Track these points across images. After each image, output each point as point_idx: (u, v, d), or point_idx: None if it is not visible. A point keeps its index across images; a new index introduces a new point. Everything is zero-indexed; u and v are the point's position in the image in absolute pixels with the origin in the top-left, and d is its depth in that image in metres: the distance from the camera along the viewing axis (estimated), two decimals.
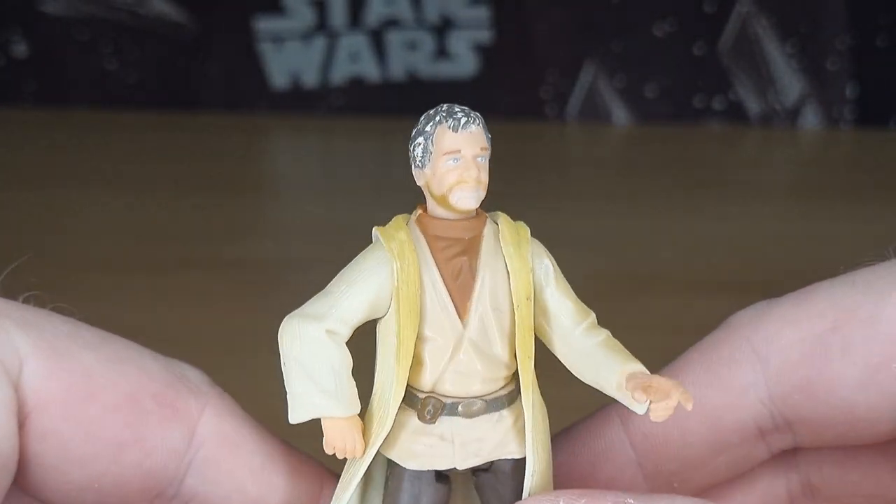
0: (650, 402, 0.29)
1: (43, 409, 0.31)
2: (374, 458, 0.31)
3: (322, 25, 1.01)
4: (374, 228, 0.31)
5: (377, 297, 0.31)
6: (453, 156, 0.30)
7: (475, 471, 0.32)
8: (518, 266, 0.31)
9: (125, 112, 1.02)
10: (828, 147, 1.00)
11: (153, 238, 0.76)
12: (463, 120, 0.30)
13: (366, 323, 0.31)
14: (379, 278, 0.31)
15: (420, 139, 0.31)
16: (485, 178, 0.30)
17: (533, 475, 0.31)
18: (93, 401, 0.31)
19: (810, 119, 1.01)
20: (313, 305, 0.31)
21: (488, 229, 0.31)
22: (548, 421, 0.32)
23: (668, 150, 0.98)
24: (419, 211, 0.31)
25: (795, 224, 0.79)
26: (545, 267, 0.31)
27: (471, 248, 0.31)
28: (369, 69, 1.01)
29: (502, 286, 0.31)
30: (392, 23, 1.00)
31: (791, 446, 0.35)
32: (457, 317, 0.31)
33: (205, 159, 0.94)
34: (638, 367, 0.30)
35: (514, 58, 0.99)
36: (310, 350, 0.30)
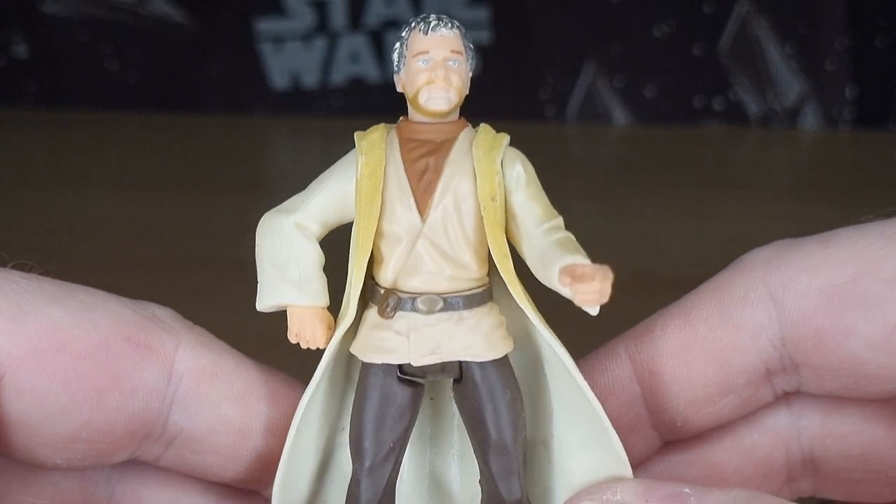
0: (574, 285, 0.29)
1: (16, 368, 0.32)
2: (353, 361, 0.32)
3: (322, 26, 1.01)
4: (354, 132, 0.32)
5: (343, 192, 0.32)
6: (422, 57, 0.31)
7: (453, 384, 0.32)
8: (485, 169, 0.31)
9: (126, 113, 1.02)
10: (827, 148, 1.00)
11: (154, 238, 0.76)
12: (433, 23, 0.31)
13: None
14: (345, 174, 0.32)
15: (397, 44, 0.32)
16: (456, 81, 0.31)
17: (563, 347, 0.31)
18: (65, 351, 0.31)
19: (809, 120, 1.01)
20: (288, 202, 0.32)
21: (465, 135, 0.32)
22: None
23: (668, 150, 0.98)
24: (401, 119, 0.32)
25: (794, 224, 0.79)
26: (516, 173, 0.32)
27: (440, 150, 0.31)
28: (369, 70, 1.01)
29: (467, 187, 0.31)
30: (392, 23, 1.01)
31: (794, 389, 0.34)
32: (417, 213, 0.31)
33: (205, 159, 0.95)
34: (577, 258, 0.30)
35: (514, 58, 0.99)
36: (279, 242, 0.32)
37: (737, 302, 0.34)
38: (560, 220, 0.32)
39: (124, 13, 1.01)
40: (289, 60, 1.02)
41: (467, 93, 0.32)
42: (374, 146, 0.32)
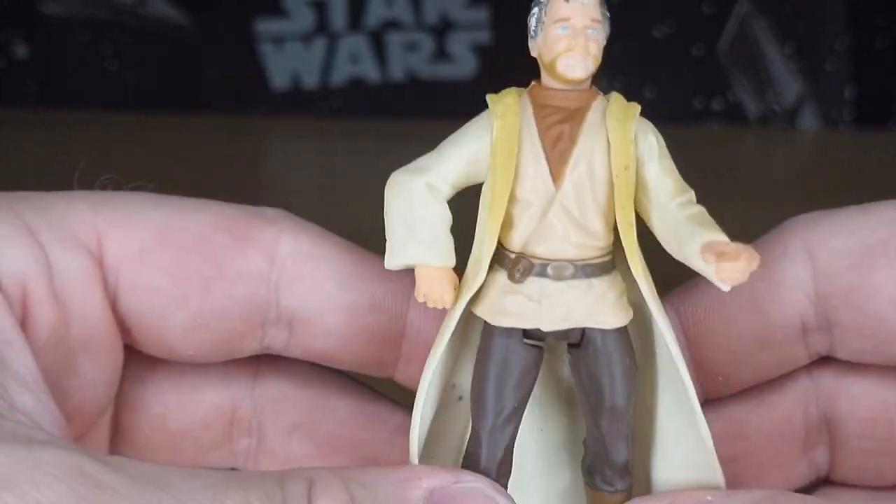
0: (719, 263, 0.29)
1: (127, 268, 0.34)
2: (472, 322, 0.33)
3: (322, 27, 1.01)
4: (487, 95, 0.32)
5: (476, 155, 0.32)
6: (563, 24, 0.32)
7: (569, 348, 0.32)
8: (619, 137, 0.31)
9: (126, 113, 1.02)
10: (826, 148, 1.00)
11: None
12: None
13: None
14: (480, 137, 0.32)
15: (535, 9, 0.32)
16: (594, 50, 0.32)
17: (675, 338, 0.31)
18: (168, 247, 0.34)
19: (809, 120, 1.01)
20: (419, 161, 0.32)
21: (598, 104, 0.32)
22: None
23: (668, 150, 0.98)
24: (533, 83, 0.33)
25: None
26: (650, 143, 0.32)
27: (574, 117, 0.31)
28: (369, 70, 1.01)
29: (601, 157, 0.31)
30: (392, 24, 1.01)
31: (827, 352, 0.35)
32: (551, 180, 0.31)
33: (205, 160, 0.95)
34: (719, 236, 0.30)
35: (514, 59, 0.99)
36: (409, 201, 0.32)
37: (776, 256, 0.35)
38: (693, 195, 0.32)
39: (124, 14, 1.01)
40: (289, 61, 1.02)
41: (601, 61, 0.32)
42: (510, 110, 0.32)
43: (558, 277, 0.31)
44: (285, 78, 1.02)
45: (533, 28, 0.33)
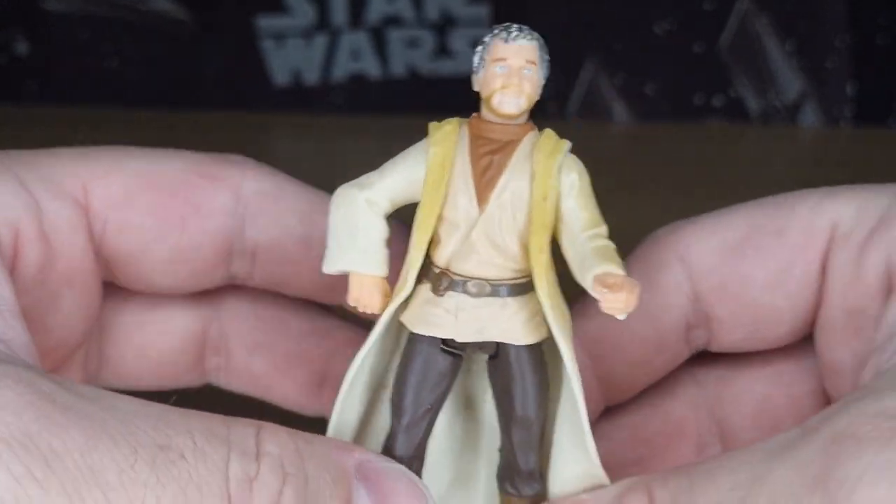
0: (604, 294, 0.32)
1: (113, 211, 0.39)
2: (402, 330, 0.36)
3: (323, 23, 1.01)
4: (430, 123, 0.35)
5: (412, 177, 0.35)
6: (500, 63, 0.34)
7: (488, 359, 0.35)
8: (542, 171, 0.34)
9: (127, 110, 1.02)
10: (827, 145, 1.00)
11: None
12: (514, 34, 0.35)
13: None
14: (417, 161, 0.35)
15: (479, 48, 0.35)
16: (528, 89, 0.34)
17: (572, 360, 0.34)
18: (149, 189, 0.39)
19: (810, 117, 1.01)
20: (363, 177, 0.36)
21: (529, 138, 0.35)
22: (569, 319, 0.35)
23: (669, 147, 0.98)
24: (474, 115, 0.35)
25: None
26: (571, 180, 0.35)
27: (505, 149, 0.34)
28: (370, 67, 1.01)
29: (524, 187, 0.34)
30: (393, 21, 1.01)
31: (703, 346, 0.40)
32: (476, 205, 0.34)
33: None
34: (612, 269, 0.33)
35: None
36: (349, 213, 0.35)
37: (655, 266, 0.39)
38: (604, 229, 0.35)
39: (125, 10, 1.01)
40: (290, 57, 1.02)
41: (538, 98, 0.35)
42: (447, 138, 0.35)
43: (475, 294, 0.34)
44: (286, 74, 1.02)
45: (476, 65, 0.36)
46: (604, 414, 0.41)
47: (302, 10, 1.01)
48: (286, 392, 0.43)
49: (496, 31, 0.36)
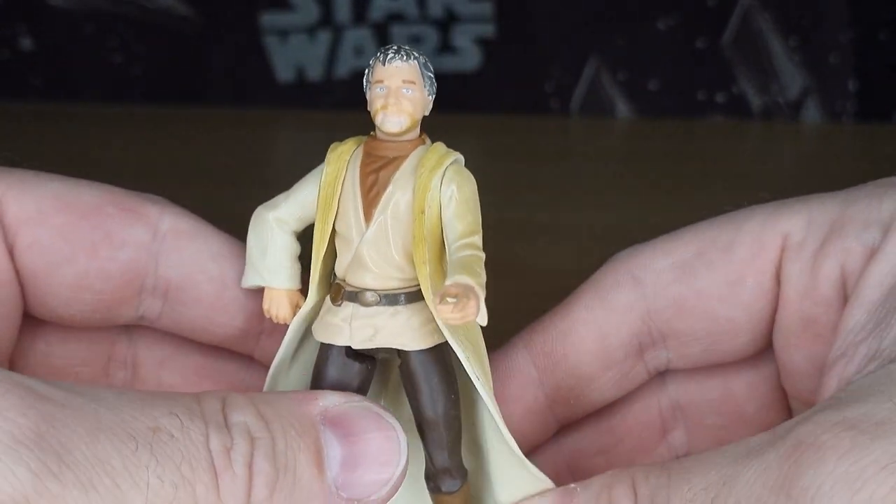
0: (437, 305, 0.33)
1: (25, 226, 0.39)
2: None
3: (327, 20, 1.01)
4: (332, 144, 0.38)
5: (312, 196, 0.37)
6: (380, 85, 0.36)
7: (400, 366, 0.37)
8: (422, 186, 0.35)
9: (131, 105, 1.02)
10: (829, 140, 1.01)
11: None
12: (390, 56, 0.37)
13: None
14: (315, 181, 0.37)
15: (367, 71, 0.37)
16: (408, 107, 0.36)
17: (468, 360, 0.35)
18: (63, 212, 0.39)
19: (812, 113, 1.01)
20: (274, 198, 0.38)
21: (417, 153, 0.36)
22: (475, 325, 0.36)
23: (671, 143, 0.99)
24: (371, 133, 0.37)
25: None
26: (450, 192, 0.36)
27: (390, 166, 0.36)
28: None
29: (407, 201, 0.36)
30: (396, 17, 1.01)
31: (664, 366, 0.41)
32: (363, 220, 0.36)
33: (210, 152, 0.95)
34: (460, 278, 0.34)
35: (518, 52, 1.00)
36: (260, 232, 0.38)
37: (609, 286, 0.40)
38: (474, 239, 0.36)
39: (130, 6, 1.02)
40: (293, 54, 1.02)
41: (425, 114, 0.37)
42: (339, 158, 0.37)
43: (368, 303, 0.36)
44: (290, 70, 1.03)
45: (365, 87, 0.37)
46: (559, 433, 0.43)
47: (306, 7, 1.01)
48: None
49: (377, 54, 0.37)
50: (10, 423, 0.29)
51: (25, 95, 1.03)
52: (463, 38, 1.00)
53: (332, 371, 0.37)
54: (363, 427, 0.34)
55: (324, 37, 1.02)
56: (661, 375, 0.43)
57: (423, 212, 0.35)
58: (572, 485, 0.35)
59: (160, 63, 1.03)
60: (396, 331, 0.36)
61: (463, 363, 0.36)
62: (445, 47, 1.01)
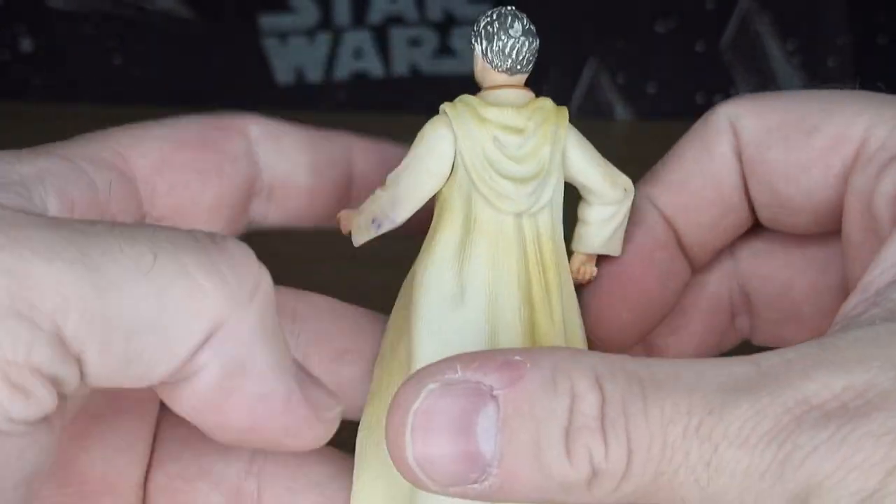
0: None
1: (156, 174, 0.41)
2: None
3: (326, 22, 1.01)
4: None
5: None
6: None
7: None
8: None
9: (131, 107, 1.02)
10: None
11: None
12: None
13: None
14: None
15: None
16: None
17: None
18: (182, 149, 0.42)
19: None
20: None
21: None
22: None
23: (670, 146, 0.98)
24: None
25: None
26: None
27: None
28: (373, 65, 1.02)
29: None
30: (395, 20, 1.01)
31: (751, 224, 0.42)
32: None
33: None
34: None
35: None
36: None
37: (712, 136, 0.42)
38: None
39: (129, 8, 1.02)
40: (293, 56, 1.02)
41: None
42: None
43: None
44: (289, 72, 1.03)
45: None
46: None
47: (305, 9, 1.01)
48: None
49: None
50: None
51: (25, 96, 1.03)
52: (462, 40, 1.01)
53: None
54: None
55: (323, 39, 1.02)
56: (734, 257, 0.44)
57: None
58: (516, 357, 0.31)
59: (159, 65, 1.03)
60: None
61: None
62: (445, 50, 1.01)
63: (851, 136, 0.39)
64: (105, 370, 0.29)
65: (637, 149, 1.03)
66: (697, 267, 0.43)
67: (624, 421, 0.30)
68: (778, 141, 0.40)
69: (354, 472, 0.37)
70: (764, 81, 1.01)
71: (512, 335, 0.36)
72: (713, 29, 1.00)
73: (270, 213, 0.43)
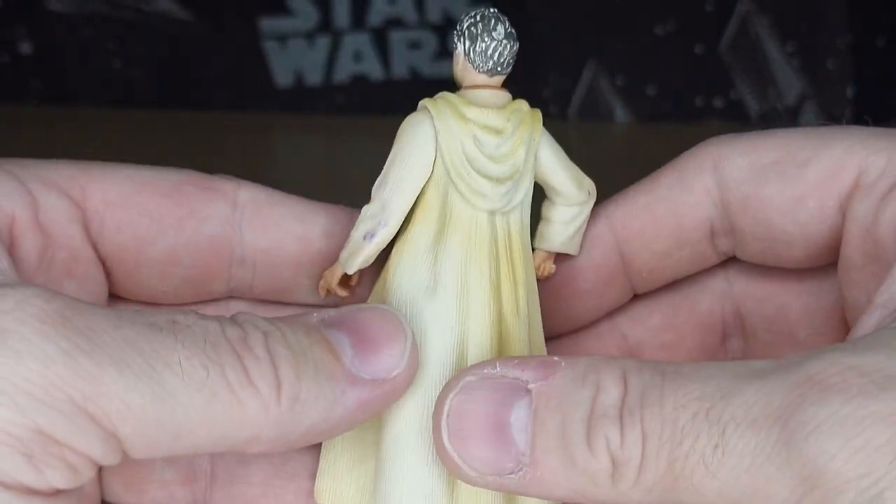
0: None
1: (109, 210, 0.40)
2: None
3: (326, 25, 1.01)
4: None
5: None
6: None
7: None
8: None
9: (130, 110, 1.02)
10: None
11: None
12: None
13: None
14: None
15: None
16: None
17: None
18: (145, 193, 0.40)
19: (810, 118, 1.01)
20: None
21: None
22: None
23: (670, 148, 0.98)
24: None
25: None
26: None
27: None
28: (373, 68, 1.02)
29: None
30: (395, 22, 1.01)
31: (731, 252, 0.42)
32: None
33: (209, 156, 0.95)
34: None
35: (516, 57, 1.00)
36: None
37: (691, 171, 0.42)
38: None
39: (129, 11, 1.02)
40: (292, 58, 1.02)
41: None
42: None
43: None
44: (289, 75, 1.03)
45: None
46: (634, 299, 0.44)
47: (305, 12, 1.01)
48: None
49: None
50: (36, 308, 0.30)
51: (24, 99, 1.03)
52: None
53: None
54: (358, 317, 0.35)
55: (323, 42, 1.02)
56: (728, 280, 0.44)
57: None
58: (556, 357, 0.34)
59: (159, 67, 1.03)
60: None
61: None
62: (444, 52, 1.01)
63: (848, 167, 0.39)
64: (145, 455, 0.32)
65: (636, 150, 1.03)
66: (641, 291, 0.43)
67: (640, 409, 0.32)
68: (772, 176, 0.40)
69: (322, 447, 0.38)
70: (763, 83, 1.01)
71: (481, 328, 0.37)
72: (713, 31, 1.00)
73: (256, 285, 0.42)
